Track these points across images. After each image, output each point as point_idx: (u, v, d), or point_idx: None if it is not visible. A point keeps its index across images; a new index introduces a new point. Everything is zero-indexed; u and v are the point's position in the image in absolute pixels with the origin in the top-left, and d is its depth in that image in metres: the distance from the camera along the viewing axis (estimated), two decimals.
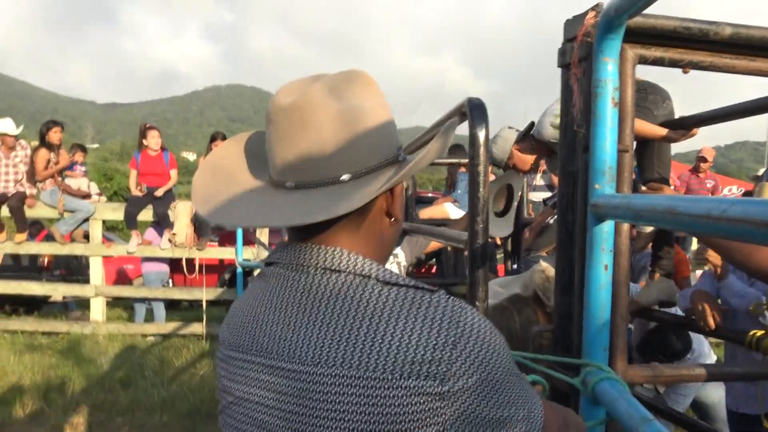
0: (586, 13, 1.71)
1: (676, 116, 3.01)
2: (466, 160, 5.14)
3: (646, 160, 3.11)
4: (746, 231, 0.78)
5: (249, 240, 6.68)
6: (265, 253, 6.63)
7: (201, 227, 6.50)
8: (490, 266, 4.96)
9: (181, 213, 6.50)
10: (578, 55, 1.69)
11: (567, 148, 1.78)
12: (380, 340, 0.72)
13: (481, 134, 2.01)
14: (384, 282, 0.78)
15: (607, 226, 1.45)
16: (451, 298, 0.79)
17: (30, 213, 6.48)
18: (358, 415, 0.71)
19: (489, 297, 2.26)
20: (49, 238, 6.89)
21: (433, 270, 6.09)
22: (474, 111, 2.06)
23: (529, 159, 3.32)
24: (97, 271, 6.60)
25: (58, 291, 6.81)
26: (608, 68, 1.53)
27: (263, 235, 6.65)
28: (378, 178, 0.80)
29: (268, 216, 0.80)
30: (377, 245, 0.86)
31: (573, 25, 1.77)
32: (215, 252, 6.73)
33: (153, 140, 6.50)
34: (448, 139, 0.89)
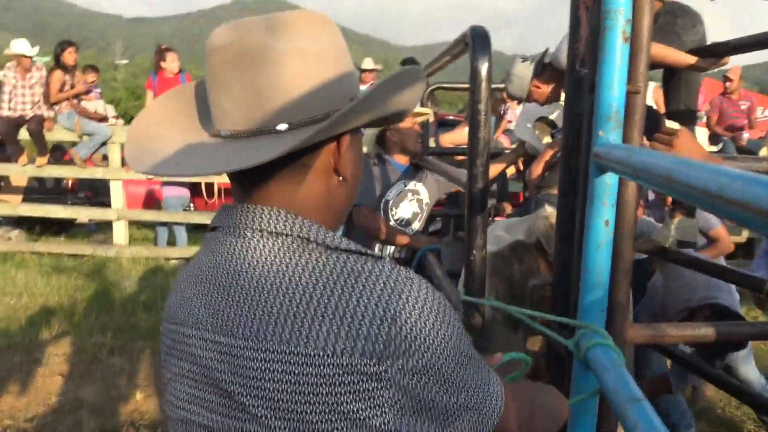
0: None
1: (708, 42, 2.77)
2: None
3: (673, 89, 2.89)
4: (743, 217, 0.65)
5: None
6: None
7: None
8: (504, 195, 4.83)
9: None
10: None
11: (573, 86, 1.60)
12: (313, 312, 0.66)
13: (483, 68, 1.84)
14: (325, 246, 0.71)
15: (610, 178, 1.31)
16: (398, 267, 0.71)
17: (48, 136, 6.47)
18: (289, 394, 0.65)
19: (491, 243, 2.16)
20: (72, 161, 6.92)
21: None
22: (476, 41, 1.88)
23: (547, 91, 3.12)
24: (117, 194, 6.64)
25: (81, 214, 6.90)
26: None
27: None
28: (314, 129, 0.70)
29: (198, 165, 0.73)
30: (323, 206, 0.78)
31: None
32: None
33: (172, 63, 6.37)
34: (389, 88, 0.77)
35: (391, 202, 3.01)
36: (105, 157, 6.59)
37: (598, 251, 1.38)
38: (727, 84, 6.80)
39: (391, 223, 3.00)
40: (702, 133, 4.30)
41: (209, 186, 6.62)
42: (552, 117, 3.14)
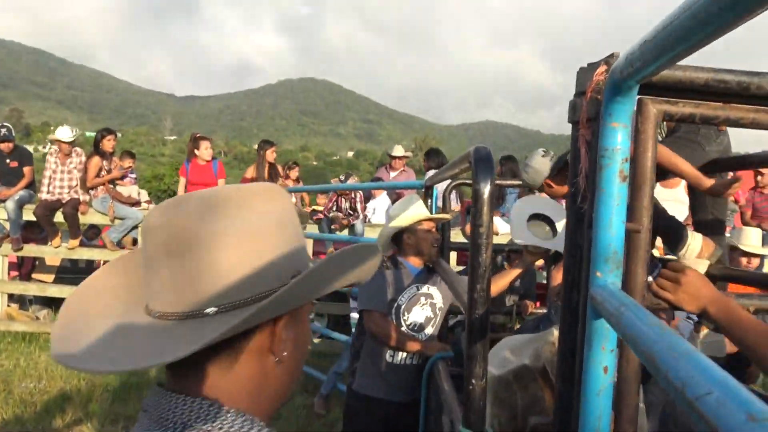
0: (599, 64, 1.46)
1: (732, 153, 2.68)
2: (515, 183, 4.76)
3: (699, 196, 2.78)
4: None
5: None
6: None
7: None
8: (529, 293, 4.67)
9: None
10: (587, 114, 1.44)
11: (574, 217, 1.53)
12: None
13: (486, 191, 1.79)
14: None
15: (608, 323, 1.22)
16: None
17: (82, 219, 6.65)
18: None
19: (495, 365, 2.04)
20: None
21: None
22: (478, 163, 1.84)
23: (559, 191, 3.06)
24: None
25: None
26: (617, 136, 1.26)
27: (308, 246, 6.59)
28: (248, 312, 0.67)
29: (125, 355, 0.68)
30: (255, 391, 0.73)
31: (585, 75, 1.52)
32: None
33: (206, 151, 6.57)
34: (334, 268, 0.75)
35: (403, 307, 2.94)
36: (135, 241, 6.70)
37: (597, 398, 1.26)
38: (759, 178, 6.63)
39: (403, 328, 2.92)
40: (756, 234, 4.14)
41: None
42: (543, 211, 3.01)
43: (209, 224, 0.69)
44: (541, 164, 3.39)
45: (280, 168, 7.04)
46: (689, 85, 1.44)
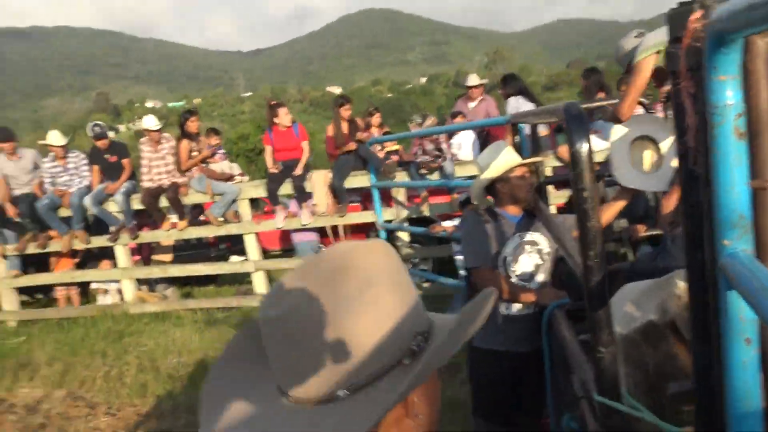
0: (693, 4, 1.31)
1: None
2: (606, 102, 4.53)
3: None
4: None
5: (388, 200, 6.69)
6: (404, 213, 6.60)
7: (339, 194, 6.60)
8: (635, 213, 4.46)
9: (317, 183, 6.62)
10: (687, 64, 1.32)
11: (687, 176, 1.42)
12: None
13: (584, 151, 1.70)
14: None
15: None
16: None
17: (185, 200, 6.99)
18: None
19: (619, 322, 1.98)
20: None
21: None
22: (572, 123, 1.74)
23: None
24: (252, 247, 7.01)
25: (222, 269, 7.38)
26: (726, 90, 1.13)
27: (400, 193, 6.62)
28: (379, 389, 0.68)
29: None
30: None
31: (677, 18, 1.37)
32: (356, 217, 6.82)
33: (285, 117, 6.65)
34: (477, 323, 0.75)
35: (509, 258, 2.89)
36: (237, 213, 6.98)
37: (743, 371, 1.20)
38: None
39: (513, 279, 2.89)
40: None
41: (335, 227, 6.82)
42: (646, 132, 2.75)
43: (327, 308, 0.69)
44: (632, 44, 3.16)
45: (360, 120, 6.99)
46: None
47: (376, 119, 7.62)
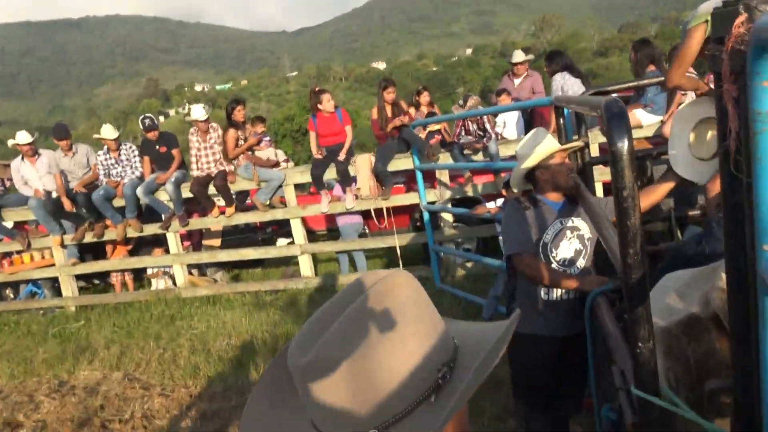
0: (737, 5, 1.27)
1: None
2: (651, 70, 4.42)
3: None
4: None
5: (432, 181, 6.67)
6: (447, 194, 6.58)
7: (382, 177, 6.62)
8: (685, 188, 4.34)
9: (361, 167, 6.65)
10: (730, 68, 1.28)
11: (728, 178, 1.39)
12: None
13: (625, 150, 1.67)
14: None
15: None
16: None
17: (232, 188, 7.14)
18: None
19: (660, 314, 1.95)
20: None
21: None
22: (612, 121, 1.71)
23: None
24: (298, 231, 7.12)
25: (270, 253, 7.53)
26: None
27: (443, 175, 6.58)
28: (406, 425, 0.72)
29: None
30: None
31: (721, 18, 1.33)
32: (400, 199, 6.83)
33: (328, 103, 6.69)
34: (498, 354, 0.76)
35: (550, 244, 2.87)
36: (282, 199, 7.09)
37: None
38: None
39: (554, 265, 2.86)
40: None
41: (378, 210, 6.86)
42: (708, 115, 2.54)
43: (354, 353, 0.71)
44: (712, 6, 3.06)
45: (404, 104, 6.93)
46: None
47: (424, 98, 7.54)
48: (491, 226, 6.34)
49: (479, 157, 6.45)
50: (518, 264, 2.86)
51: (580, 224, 2.90)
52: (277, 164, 7.15)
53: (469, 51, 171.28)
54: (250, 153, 7.00)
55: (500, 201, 5.60)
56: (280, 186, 6.97)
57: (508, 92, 7.35)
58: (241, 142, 6.92)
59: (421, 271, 6.83)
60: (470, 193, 6.59)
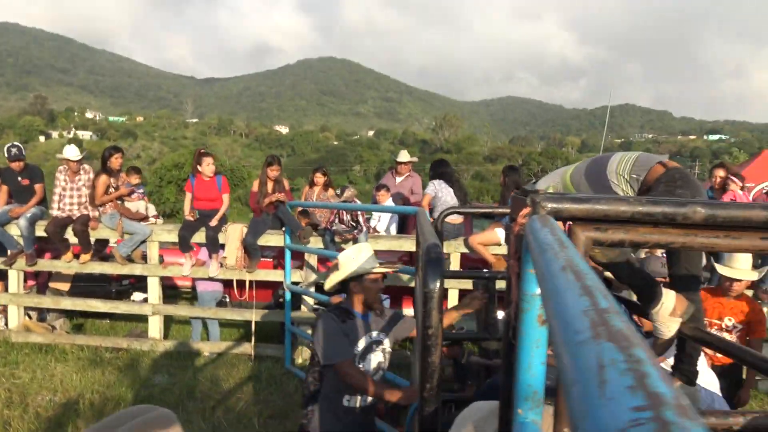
0: (527, 197, 1.49)
1: None
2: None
3: (673, 254, 2.79)
4: None
5: (301, 261, 6.73)
6: (313, 277, 6.65)
7: (251, 250, 6.60)
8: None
9: (231, 236, 6.61)
10: (515, 249, 1.49)
11: (507, 342, 1.58)
12: None
13: (435, 291, 1.84)
14: None
15: None
16: None
17: (93, 234, 6.82)
18: None
19: None
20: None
21: None
22: (429, 264, 1.88)
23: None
24: (154, 290, 6.86)
25: (119, 309, 7.15)
26: (535, 283, 1.31)
27: (312, 258, 6.67)
28: None
29: None
30: None
31: (515, 204, 1.56)
32: (264, 274, 6.81)
33: (207, 167, 6.64)
34: None
35: (359, 357, 3.06)
36: (144, 255, 6.86)
37: None
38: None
39: None
40: (744, 257, 4.11)
41: (241, 281, 6.78)
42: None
43: None
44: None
45: (286, 183, 7.00)
46: (615, 218, 1.47)
47: (319, 177, 7.49)
48: None
49: (349, 245, 6.61)
50: (342, 370, 2.95)
51: (384, 339, 3.16)
52: (145, 218, 6.94)
53: (371, 133, 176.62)
54: (119, 202, 6.76)
55: None
56: (144, 241, 6.75)
57: (388, 189, 7.67)
58: (111, 189, 6.68)
59: (274, 349, 6.76)
60: None
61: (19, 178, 6.89)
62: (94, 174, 6.78)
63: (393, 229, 7.59)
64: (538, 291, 1.30)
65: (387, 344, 3.18)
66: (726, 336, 4.36)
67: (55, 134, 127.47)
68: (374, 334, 3.12)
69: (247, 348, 6.75)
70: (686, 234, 1.53)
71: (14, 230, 6.86)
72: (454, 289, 6.15)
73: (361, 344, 3.06)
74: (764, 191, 7.00)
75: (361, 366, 3.04)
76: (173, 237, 6.77)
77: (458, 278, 5.90)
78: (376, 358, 3.12)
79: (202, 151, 6.84)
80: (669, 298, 2.57)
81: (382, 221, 7.48)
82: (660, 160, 2.85)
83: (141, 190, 7.19)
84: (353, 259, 3.08)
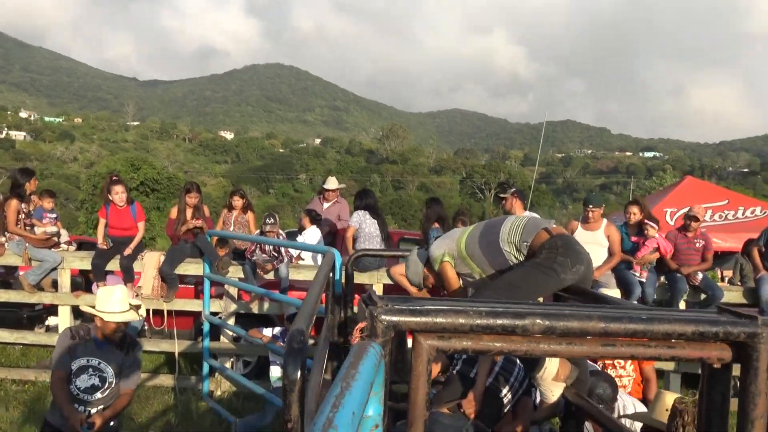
0: (370, 308, 1.48)
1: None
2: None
3: None
4: None
5: (219, 292, 6.59)
6: (233, 307, 6.53)
7: (168, 279, 6.42)
8: None
9: (148, 264, 6.42)
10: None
11: None
12: None
13: (295, 381, 1.80)
14: None
15: None
16: None
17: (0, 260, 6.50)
18: None
19: None
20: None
21: None
22: (290, 355, 1.84)
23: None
24: (65, 319, 6.58)
25: (26, 339, 6.83)
26: (371, 405, 1.30)
27: (232, 288, 6.54)
28: None
29: None
30: None
31: (361, 310, 1.55)
32: (182, 304, 6.64)
33: (117, 196, 6.38)
34: None
35: (72, 373, 3.52)
36: (54, 283, 6.58)
37: None
38: (693, 224, 6.69)
39: (73, 390, 3.50)
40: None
41: (158, 311, 6.57)
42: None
43: None
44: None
45: (206, 209, 6.83)
46: (454, 330, 1.48)
47: (237, 201, 7.37)
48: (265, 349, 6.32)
49: (270, 277, 6.52)
50: (52, 377, 3.54)
51: (106, 368, 3.59)
52: (57, 245, 6.65)
53: (317, 141, 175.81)
54: (27, 228, 6.44)
55: (277, 329, 5.64)
56: (55, 269, 6.47)
57: (316, 214, 7.63)
58: (22, 215, 6.36)
59: (192, 381, 6.59)
60: (255, 311, 6.59)
61: None
62: (3, 198, 6.46)
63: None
64: (371, 412, 1.29)
65: (110, 374, 3.58)
66: (622, 372, 4.52)
67: None
68: (96, 361, 3.57)
69: (167, 379, 6.54)
70: (529, 341, 1.55)
71: None
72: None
73: (78, 363, 3.53)
74: (684, 216, 7.35)
75: (75, 382, 3.50)
76: (86, 264, 6.52)
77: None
78: (91, 381, 3.54)
79: (114, 178, 6.60)
80: (552, 363, 2.62)
81: (308, 239, 7.37)
82: (545, 227, 2.93)
83: (54, 215, 6.90)
84: (101, 298, 3.53)
